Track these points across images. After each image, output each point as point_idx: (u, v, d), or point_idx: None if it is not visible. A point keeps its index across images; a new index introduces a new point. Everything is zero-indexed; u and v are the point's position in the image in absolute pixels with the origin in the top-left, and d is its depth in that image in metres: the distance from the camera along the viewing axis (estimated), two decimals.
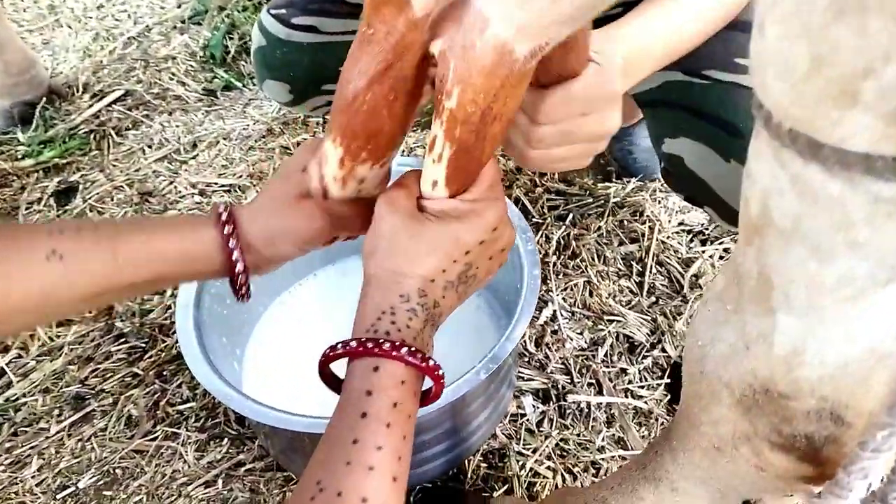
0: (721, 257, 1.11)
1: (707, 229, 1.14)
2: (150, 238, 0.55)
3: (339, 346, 0.50)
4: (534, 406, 0.96)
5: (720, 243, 1.12)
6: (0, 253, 0.51)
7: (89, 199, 1.30)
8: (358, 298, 0.52)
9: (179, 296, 0.85)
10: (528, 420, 0.95)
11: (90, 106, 1.47)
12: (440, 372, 0.50)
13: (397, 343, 0.48)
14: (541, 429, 0.94)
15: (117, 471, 0.93)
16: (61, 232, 0.53)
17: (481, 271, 0.55)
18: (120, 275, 0.54)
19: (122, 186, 1.32)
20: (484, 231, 0.53)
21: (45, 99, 1.46)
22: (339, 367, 0.52)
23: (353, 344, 0.48)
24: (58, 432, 0.96)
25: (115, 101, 1.49)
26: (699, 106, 0.84)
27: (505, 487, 0.89)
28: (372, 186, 0.60)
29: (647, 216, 1.14)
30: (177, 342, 1.03)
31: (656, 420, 0.95)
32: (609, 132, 0.62)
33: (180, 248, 0.56)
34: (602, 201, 1.17)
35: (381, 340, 0.48)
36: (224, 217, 0.57)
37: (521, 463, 0.90)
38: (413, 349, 0.49)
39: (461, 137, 0.49)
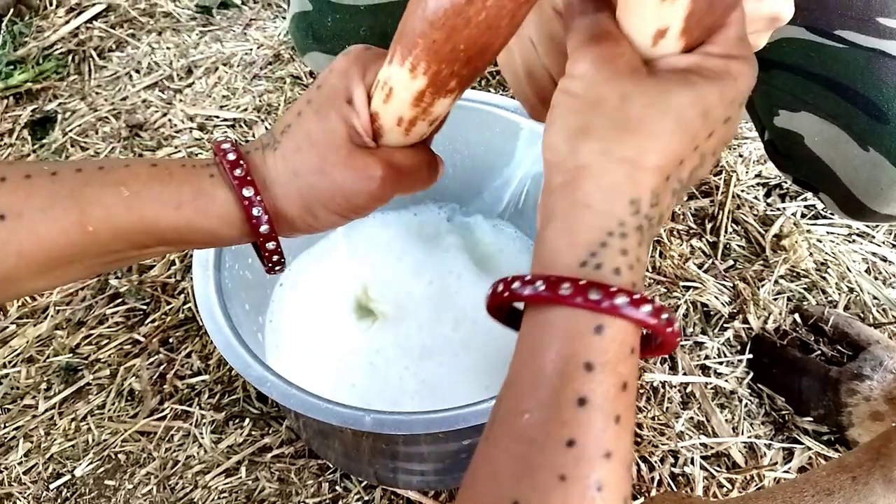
0: (804, 215, 0.98)
1: (787, 182, 1.01)
2: (132, 200, 0.39)
3: (539, 283, 0.31)
4: None
5: (802, 199, 0.99)
6: None
7: (70, 131, 1.12)
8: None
9: (195, 253, 0.70)
10: None
11: (66, 22, 1.27)
12: (680, 339, 0.35)
13: (636, 295, 0.31)
14: None
15: (120, 456, 0.79)
16: (3, 180, 0.38)
17: (703, 170, 0.37)
18: (91, 244, 0.40)
19: (107, 118, 1.14)
20: (736, 100, 0.35)
21: (12, 11, 1.25)
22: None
23: (567, 288, 0.31)
24: (47, 410, 0.82)
25: (95, 17, 1.29)
26: (832, 76, 0.67)
27: None
28: (437, 126, 0.44)
29: (723, 166, 1.00)
30: (184, 304, 0.89)
31: (740, 401, 0.84)
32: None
33: (179, 217, 0.40)
34: None
35: (613, 288, 0.31)
36: (240, 172, 0.41)
37: None
38: (657, 305, 0.32)
39: None
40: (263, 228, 0.42)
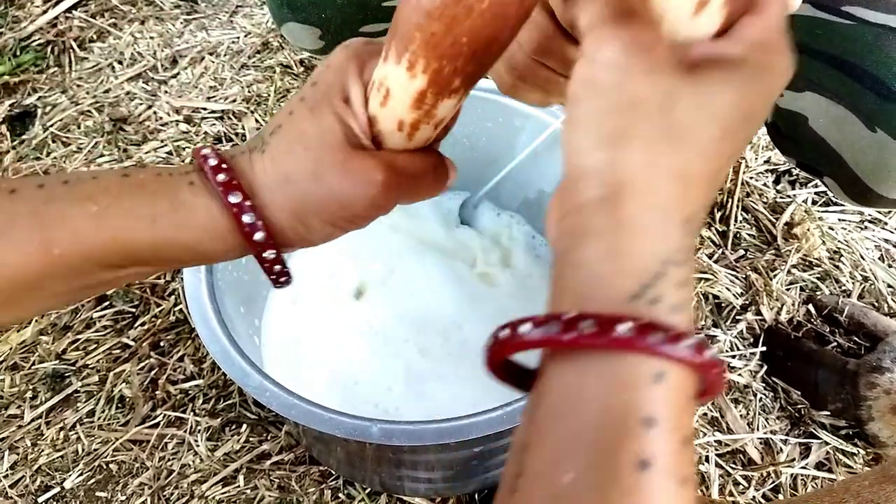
0: (814, 202, 0.95)
1: (797, 168, 0.98)
2: (102, 216, 0.34)
3: (587, 323, 0.25)
4: None
5: (813, 185, 0.96)
6: None
7: (50, 126, 1.07)
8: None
9: None
10: None
11: (44, 12, 1.22)
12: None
13: (699, 339, 0.26)
14: None
15: (111, 466, 0.76)
16: None
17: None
18: (58, 270, 0.34)
19: (89, 111, 1.09)
20: (776, 90, 0.31)
21: None
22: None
23: (627, 329, 0.25)
24: (34, 420, 0.78)
25: (74, 6, 1.24)
26: (838, 53, 0.64)
27: None
28: (445, 129, 0.39)
29: None
30: (175, 306, 0.85)
31: (754, 396, 0.81)
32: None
33: (155, 233, 0.35)
34: None
35: (676, 330, 0.25)
36: (224, 178, 0.36)
37: None
38: (714, 350, 0.29)
39: None
40: (258, 236, 0.36)
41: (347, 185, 0.36)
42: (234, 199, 0.35)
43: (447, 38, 0.32)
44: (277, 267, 0.38)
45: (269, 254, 0.37)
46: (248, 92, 1.11)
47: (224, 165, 0.36)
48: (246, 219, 0.36)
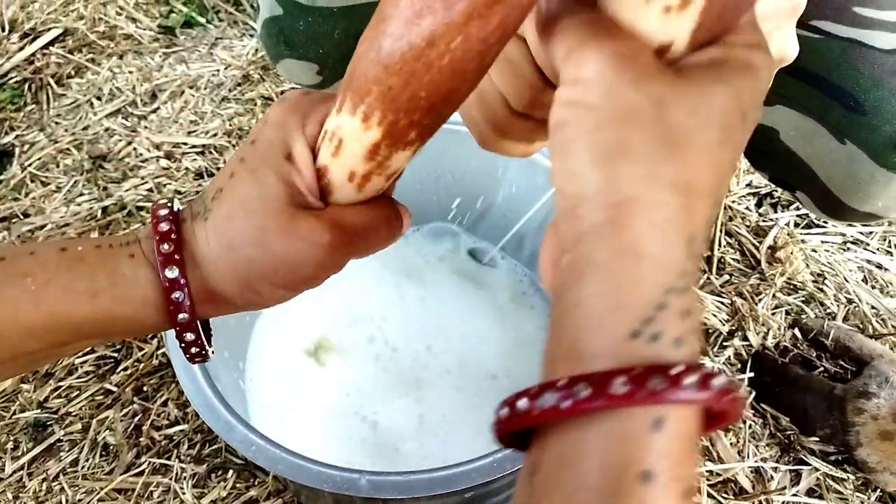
0: (797, 224, 0.96)
1: (778, 190, 0.99)
2: (40, 292, 0.34)
3: (582, 387, 0.23)
4: None
5: (795, 208, 0.97)
6: None
7: (29, 165, 1.06)
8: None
9: None
10: None
11: (21, 48, 1.21)
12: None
13: (704, 371, 0.24)
14: None
15: None
16: None
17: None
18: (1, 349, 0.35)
19: (68, 149, 1.08)
20: (764, 85, 0.29)
21: None
22: None
23: (623, 383, 0.23)
24: (15, 472, 0.77)
25: (51, 42, 1.23)
26: (807, 67, 0.65)
27: None
28: (394, 180, 0.39)
29: None
30: (157, 350, 0.84)
31: (744, 423, 0.81)
32: None
33: (96, 308, 0.35)
34: None
35: (678, 369, 0.23)
36: (167, 248, 0.35)
37: None
38: (724, 376, 0.25)
39: None
40: (181, 317, 0.36)
41: (293, 248, 0.35)
42: (171, 273, 0.35)
43: (405, 92, 0.32)
44: (195, 349, 0.38)
45: (189, 336, 0.37)
46: (230, 125, 1.10)
47: (172, 235, 0.36)
48: (175, 296, 0.35)
